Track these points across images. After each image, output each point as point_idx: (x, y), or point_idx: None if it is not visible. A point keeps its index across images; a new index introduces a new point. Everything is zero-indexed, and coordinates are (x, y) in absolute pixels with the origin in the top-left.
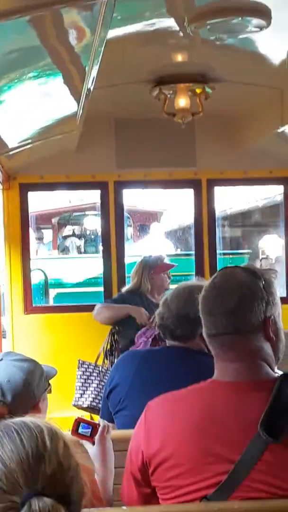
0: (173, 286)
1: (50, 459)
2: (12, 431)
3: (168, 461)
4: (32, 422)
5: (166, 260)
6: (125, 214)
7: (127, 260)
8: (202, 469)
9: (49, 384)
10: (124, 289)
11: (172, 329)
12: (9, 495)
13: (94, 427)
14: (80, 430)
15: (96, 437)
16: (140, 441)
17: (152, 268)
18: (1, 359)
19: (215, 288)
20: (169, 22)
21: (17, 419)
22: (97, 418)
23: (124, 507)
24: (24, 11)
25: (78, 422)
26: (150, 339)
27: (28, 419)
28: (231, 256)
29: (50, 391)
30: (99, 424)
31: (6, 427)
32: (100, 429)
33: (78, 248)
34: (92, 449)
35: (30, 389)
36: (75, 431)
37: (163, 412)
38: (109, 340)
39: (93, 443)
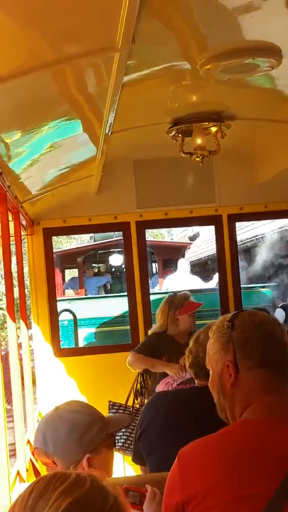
0: (198, 323)
1: None
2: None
3: (202, 504)
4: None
5: (192, 299)
6: (149, 249)
7: (153, 296)
8: (236, 510)
9: (112, 439)
10: (151, 330)
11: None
12: None
13: (142, 494)
14: (129, 498)
15: (145, 505)
16: (174, 489)
17: (177, 308)
18: (57, 408)
19: (271, 325)
20: (183, 65)
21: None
22: (129, 459)
23: None
24: (44, 66)
25: (127, 490)
26: (175, 384)
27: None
28: (254, 290)
29: (111, 446)
30: (147, 491)
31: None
32: (148, 495)
33: (105, 286)
34: None
35: (73, 442)
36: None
37: (197, 456)
38: (139, 380)
39: (140, 511)
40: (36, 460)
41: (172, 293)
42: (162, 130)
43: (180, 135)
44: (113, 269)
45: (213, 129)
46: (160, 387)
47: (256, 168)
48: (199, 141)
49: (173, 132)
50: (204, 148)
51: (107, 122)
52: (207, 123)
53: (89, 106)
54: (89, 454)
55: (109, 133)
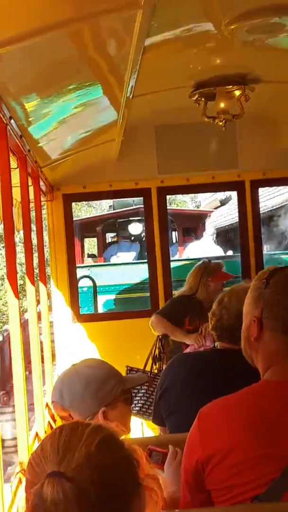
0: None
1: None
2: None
3: (222, 463)
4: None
5: (224, 269)
6: (169, 218)
7: (173, 264)
8: (256, 469)
9: (129, 394)
10: (179, 292)
11: (232, 330)
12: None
13: (164, 454)
14: (152, 458)
15: (166, 463)
16: (194, 448)
17: (210, 275)
18: (75, 364)
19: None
20: (207, 26)
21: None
22: (148, 423)
23: (177, 510)
24: (63, 25)
25: (151, 450)
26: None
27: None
28: (276, 256)
29: (127, 402)
30: (169, 451)
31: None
32: (169, 455)
33: (124, 254)
34: (162, 475)
35: (89, 396)
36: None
37: (216, 416)
38: (157, 346)
39: (163, 470)
40: (54, 422)
41: (206, 259)
42: (184, 94)
43: (203, 99)
44: (132, 238)
45: (237, 92)
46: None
47: (280, 132)
48: (222, 105)
49: (196, 96)
50: (227, 112)
51: (129, 85)
52: (230, 86)
53: (109, 68)
54: (104, 408)
55: (131, 97)
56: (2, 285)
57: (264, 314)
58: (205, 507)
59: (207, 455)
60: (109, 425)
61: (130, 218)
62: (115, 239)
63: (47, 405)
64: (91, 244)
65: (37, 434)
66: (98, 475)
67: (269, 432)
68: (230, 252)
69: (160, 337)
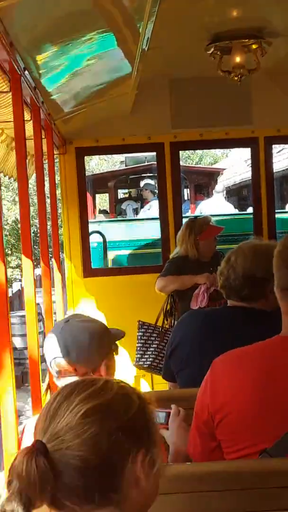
0: (230, 247)
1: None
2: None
3: (231, 415)
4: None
5: (212, 223)
6: (181, 175)
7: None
8: (264, 423)
9: (116, 346)
10: (172, 255)
11: (239, 290)
12: None
13: (167, 413)
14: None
15: (170, 420)
16: (206, 395)
17: (198, 233)
18: (68, 320)
19: None
20: None
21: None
22: (158, 378)
23: (188, 463)
24: None
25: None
26: (206, 295)
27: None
28: None
29: (117, 353)
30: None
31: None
32: (172, 412)
33: (135, 210)
34: (166, 434)
35: (94, 349)
36: None
37: (228, 367)
38: (169, 301)
39: (167, 429)
40: None
41: (192, 217)
42: (200, 47)
43: (218, 53)
44: (153, 194)
45: (254, 46)
46: (194, 301)
47: None
48: (238, 59)
49: (212, 49)
50: (243, 67)
51: (144, 36)
52: (247, 40)
53: (124, 19)
54: (106, 360)
55: (146, 49)
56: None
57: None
58: (215, 461)
59: (217, 404)
60: (115, 385)
61: (143, 175)
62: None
63: None
64: (102, 199)
65: (49, 386)
66: (78, 447)
67: (279, 386)
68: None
69: (172, 293)
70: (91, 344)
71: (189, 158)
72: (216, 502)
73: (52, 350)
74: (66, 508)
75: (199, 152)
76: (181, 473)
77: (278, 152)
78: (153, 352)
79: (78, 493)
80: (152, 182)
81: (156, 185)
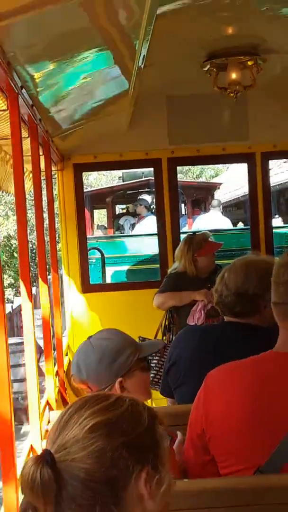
0: (227, 262)
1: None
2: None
3: (223, 429)
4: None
5: (211, 239)
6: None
7: (184, 236)
8: (255, 438)
9: (143, 363)
10: (171, 270)
11: (232, 307)
12: None
13: (172, 438)
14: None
15: (175, 446)
16: (199, 409)
17: (196, 250)
18: (90, 337)
19: (283, 259)
20: None
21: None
22: (158, 393)
23: (185, 480)
24: None
25: None
26: (203, 312)
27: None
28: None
29: (144, 369)
30: (177, 436)
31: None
32: (177, 441)
33: (133, 225)
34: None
35: (104, 367)
36: None
37: (222, 380)
38: (167, 316)
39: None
40: (65, 391)
41: (191, 233)
42: (196, 64)
43: (214, 69)
44: (148, 210)
45: (249, 63)
46: (190, 317)
47: None
48: (234, 75)
49: (208, 66)
50: (239, 83)
51: (140, 54)
52: (242, 57)
53: (121, 37)
54: (121, 378)
55: (142, 66)
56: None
57: None
58: (211, 476)
59: (210, 418)
60: (134, 398)
61: (140, 190)
62: (125, 211)
63: (57, 373)
64: (101, 215)
65: (47, 403)
66: (84, 459)
67: (269, 401)
68: (240, 225)
69: (171, 308)
70: (100, 363)
71: (189, 171)
72: None
73: (71, 367)
74: None
75: None
76: (178, 490)
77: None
78: (154, 368)
79: (80, 504)
80: (147, 197)
81: (152, 200)
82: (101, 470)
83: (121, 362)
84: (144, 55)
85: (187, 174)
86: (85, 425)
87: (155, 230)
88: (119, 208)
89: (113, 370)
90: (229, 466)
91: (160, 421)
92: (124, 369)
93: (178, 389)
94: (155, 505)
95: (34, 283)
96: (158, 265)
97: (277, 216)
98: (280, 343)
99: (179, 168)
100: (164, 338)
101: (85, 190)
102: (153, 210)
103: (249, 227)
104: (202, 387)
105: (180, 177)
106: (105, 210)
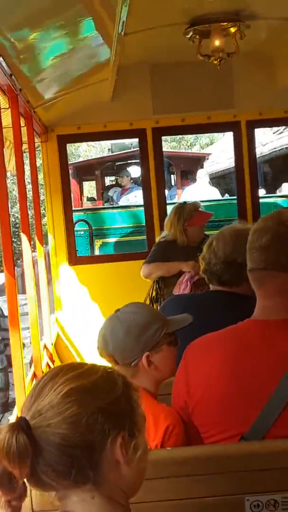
0: (215, 232)
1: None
2: None
3: (204, 400)
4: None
5: (202, 209)
6: (167, 160)
7: (170, 207)
8: (236, 406)
9: (171, 338)
10: (159, 238)
11: (220, 275)
12: None
13: None
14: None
15: None
16: (180, 382)
17: (186, 220)
18: (118, 310)
19: (257, 224)
20: None
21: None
22: None
23: (168, 448)
24: None
25: None
26: (189, 283)
27: None
28: (274, 199)
29: (171, 344)
30: None
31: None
32: None
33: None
34: None
35: (131, 341)
36: None
37: (201, 352)
38: (155, 287)
39: None
40: (53, 363)
41: (181, 202)
42: (179, 31)
43: (197, 37)
44: (132, 181)
45: (232, 29)
46: (176, 288)
47: (277, 71)
48: (217, 42)
49: (190, 34)
50: (222, 50)
51: (120, 20)
52: (225, 23)
53: (100, 2)
54: (148, 352)
55: (122, 33)
56: None
57: None
58: (195, 445)
59: (191, 390)
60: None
61: (128, 161)
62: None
63: (45, 346)
64: (91, 187)
65: (34, 375)
66: (59, 424)
67: (249, 369)
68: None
69: (158, 279)
70: (127, 337)
71: (183, 139)
72: (197, 486)
73: (97, 341)
74: (44, 483)
75: None
76: (162, 458)
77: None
78: None
79: (56, 469)
80: (133, 169)
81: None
82: (77, 435)
83: (149, 336)
84: (123, 21)
85: (180, 143)
86: (60, 391)
87: (141, 202)
88: (108, 180)
89: (140, 344)
90: (212, 436)
91: (135, 388)
92: (151, 344)
93: None
94: (131, 470)
95: (19, 260)
96: (145, 237)
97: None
98: (257, 310)
99: (171, 137)
100: None
101: (73, 161)
102: (139, 182)
103: (235, 197)
104: (181, 360)
105: (173, 145)
106: (94, 182)
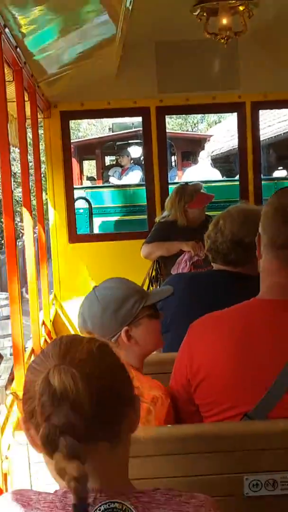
0: (215, 213)
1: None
2: None
3: (208, 378)
4: None
5: (203, 190)
6: (168, 142)
7: (172, 186)
8: (241, 385)
9: (149, 309)
10: (159, 218)
11: (226, 254)
12: None
13: None
14: None
15: None
16: (183, 360)
17: (188, 201)
18: (95, 287)
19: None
20: None
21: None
22: None
23: (169, 425)
24: None
25: None
26: (189, 263)
27: None
28: (276, 181)
29: (152, 317)
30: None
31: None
32: None
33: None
34: None
35: (108, 317)
36: None
37: (206, 330)
38: (154, 267)
39: None
40: (50, 339)
41: (183, 183)
42: (186, 8)
43: (205, 14)
44: (131, 161)
45: (240, 8)
46: (175, 267)
47: (284, 53)
48: (224, 21)
49: (198, 11)
50: (229, 29)
51: None
52: (234, 1)
53: None
54: (126, 327)
55: (130, 8)
56: None
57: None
58: (197, 423)
59: (194, 368)
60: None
61: (129, 141)
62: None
63: (43, 323)
64: (91, 166)
65: (33, 350)
66: (100, 372)
67: (254, 349)
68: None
69: (158, 258)
70: (105, 313)
71: (188, 117)
72: (197, 464)
73: (78, 321)
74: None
75: None
76: (164, 435)
77: None
78: None
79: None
80: (134, 149)
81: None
82: (116, 384)
83: (126, 310)
84: None
85: (186, 120)
86: (93, 344)
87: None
88: (109, 160)
89: (118, 319)
90: (215, 415)
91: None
92: (129, 318)
93: (164, 335)
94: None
95: (19, 238)
96: (146, 216)
97: (281, 168)
98: (263, 290)
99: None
100: (151, 288)
101: (74, 140)
102: (140, 162)
103: (238, 178)
104: (185, 337)
105: (178, 122)
106: (95, 161)
